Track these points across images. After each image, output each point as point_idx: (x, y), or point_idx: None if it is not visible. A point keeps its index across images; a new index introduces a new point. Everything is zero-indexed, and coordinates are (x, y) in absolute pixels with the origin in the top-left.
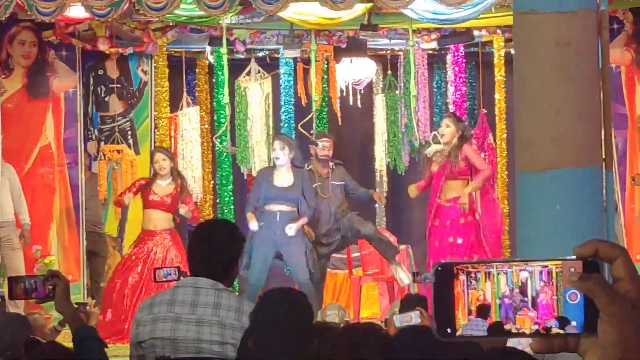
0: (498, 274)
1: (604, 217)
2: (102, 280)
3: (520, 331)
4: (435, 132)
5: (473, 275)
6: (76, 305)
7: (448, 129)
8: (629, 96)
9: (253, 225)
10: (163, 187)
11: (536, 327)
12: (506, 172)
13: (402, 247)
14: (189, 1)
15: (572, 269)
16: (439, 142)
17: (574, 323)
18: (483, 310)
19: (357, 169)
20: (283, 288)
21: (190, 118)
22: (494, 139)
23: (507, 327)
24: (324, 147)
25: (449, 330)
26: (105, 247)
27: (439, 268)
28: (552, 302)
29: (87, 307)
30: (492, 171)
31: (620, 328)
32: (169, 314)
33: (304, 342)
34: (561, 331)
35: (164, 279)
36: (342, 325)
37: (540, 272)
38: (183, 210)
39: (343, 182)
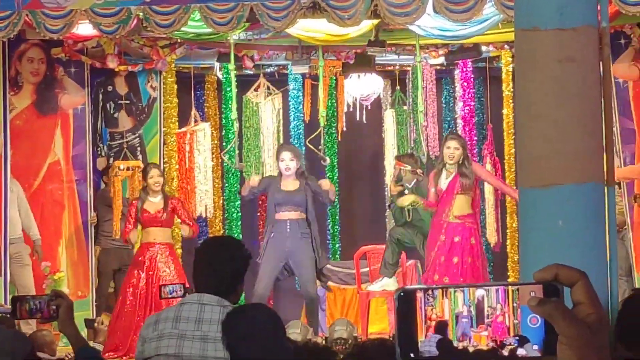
0: (455, 291)
1: (606, 234)
2: None
3: (477, 348)
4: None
5: (430, 292)
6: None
7: (458, 152)
8: (636, 111)
9: (253, 181)
10: (155, 203)
11: (492, 344)
12: (514, 187)
13: (411, 262)
14: (197, 18)
15: (533, 293)
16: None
17: (535, 346)
18: (441, 327)
19: (366, 183)
20: (243, 308)
21: (205, 133)
22: (502, 154)
23: (464, 343)
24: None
25: (412, 355)
26: None
27: (402, 293)
28: (509, 321)
29: (95, 324)
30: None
31: (579, 351)
32: (174, 331)
33: (278, 355)
34: (519, 349)
35: (169, 296)
36: (350, 341)
37: (497, 291)
38: (185, 232)
39: None
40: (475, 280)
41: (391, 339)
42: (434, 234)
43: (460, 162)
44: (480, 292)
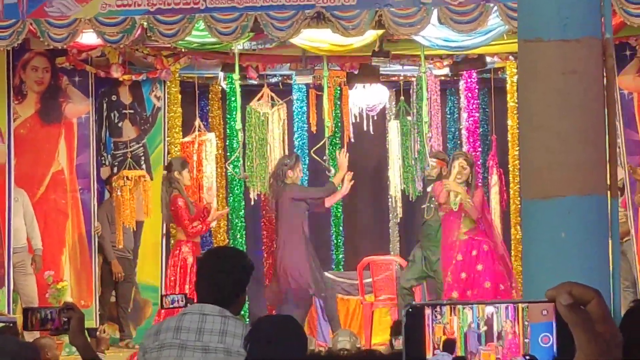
0: (464, 308)
1: (610, 245)
2: (130, 306)
3: None
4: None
5: (438, 309)
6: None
7: (465, 171)
8: None
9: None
10: None
11: None
12: (519, 199)
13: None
14: (201, 28)
15: (545, 312)
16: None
17: None
18: (449, 345)
19: (371, 194)
20: (276, 316)
21: (212, 142)
22: (507, 166)
23: None
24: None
25: None
26: (134, 273)
27: (410, 309)
28: (518, 339)
29: (98, 333)
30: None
31: None
32: (175, 341)
33: None
34: None
35: (171, 306)
36: (353, 352)
37: (507, 308)
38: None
39: None
40: (498, 284)
41: (382, 351)
42: (447, 254)
43: (469, 182)
44: (489, 309)
